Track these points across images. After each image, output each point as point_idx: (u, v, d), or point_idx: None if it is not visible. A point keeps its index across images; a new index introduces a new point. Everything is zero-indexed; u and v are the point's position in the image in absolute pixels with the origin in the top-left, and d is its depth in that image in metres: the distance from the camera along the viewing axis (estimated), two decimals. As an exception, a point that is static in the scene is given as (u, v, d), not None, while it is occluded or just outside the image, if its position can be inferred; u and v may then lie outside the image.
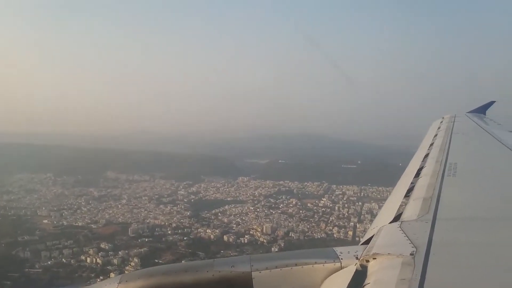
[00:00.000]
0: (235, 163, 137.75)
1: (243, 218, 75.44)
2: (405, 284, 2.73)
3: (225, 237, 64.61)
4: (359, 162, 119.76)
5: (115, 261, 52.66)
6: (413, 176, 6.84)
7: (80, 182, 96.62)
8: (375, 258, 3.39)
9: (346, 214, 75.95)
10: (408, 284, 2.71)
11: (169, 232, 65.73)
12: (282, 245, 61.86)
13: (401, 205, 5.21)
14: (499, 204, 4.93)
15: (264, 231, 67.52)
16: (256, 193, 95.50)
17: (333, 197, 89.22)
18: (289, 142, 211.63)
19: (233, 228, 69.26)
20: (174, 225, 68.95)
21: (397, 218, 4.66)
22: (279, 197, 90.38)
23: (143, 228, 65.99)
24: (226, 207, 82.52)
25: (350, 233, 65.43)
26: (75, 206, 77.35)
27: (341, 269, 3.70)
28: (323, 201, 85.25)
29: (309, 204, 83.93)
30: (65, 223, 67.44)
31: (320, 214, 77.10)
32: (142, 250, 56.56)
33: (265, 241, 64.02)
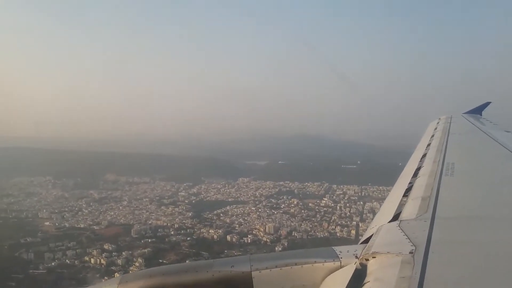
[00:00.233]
0: (234, 164, 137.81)
1: (245, 218, 75.39)
2: (405, 282, 2.76)
3: (228, 237, 64.53)
4: (358, 162, 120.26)
5: (119, 261, 52.44)
6: (411, 176, 6.93)
7: (80, 185, 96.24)
8: (374, 257, 3.42)
9: (348, 213, 76.12)
10: (408, 282, 2.74)
11: (172, 232, 65.57)
12: (286, 244, 61.85)
13: (399, 205, 5.29)
14: (497, 202, 5.00)
15: (267, 230, 67.52)
16: (257, 193, 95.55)
17: (334, 197, 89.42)
18: (288, 143, 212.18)
19: (236, 228, 69.20)
20: (176, 225, 68.77)
21: (396, 217, 4.73)
22: (280, 197, 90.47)
23: (146, 229, 65.77)
24: (228, 207, 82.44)
25: (353, 232, 65.55)
26: (76, 208, 76.96)
27: (341, 268, 3.73)
28: (324, 201, 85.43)
29: (310, 204, 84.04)
30: (67, 225, 67.09)
31: (322, 213, 77.19)
32: (146, 250, 56.36)
33: (268, 240, 63.99)
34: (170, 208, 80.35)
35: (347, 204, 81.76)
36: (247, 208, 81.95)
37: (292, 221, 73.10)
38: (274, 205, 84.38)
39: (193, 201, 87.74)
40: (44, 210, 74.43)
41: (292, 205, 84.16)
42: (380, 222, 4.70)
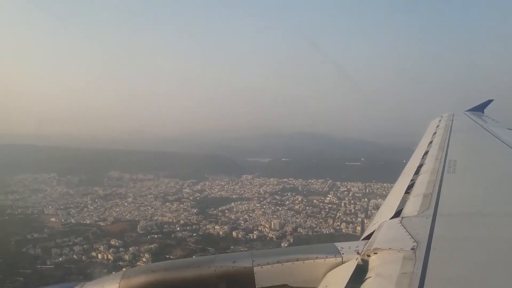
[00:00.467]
0: (237, 161, 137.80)
1: (250, 214, 75.47)
2: (406, 277, 2.76)
3: (234, 233, 64.63)
4: (362, 159, 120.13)
5: (126, 257, 52.63)
6: (413, 173, 6.93)
7: (84, 182, 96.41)
8: (376, 253, 3.42)
9: (353, 210, 76.12)
10: (409, 278, 2.74)
11: (178, 229, 65.70)
12: (292, 240, 61.91)
13: (401, 202, 5.29)
14: (498, 200, 5.01)
15: (272, 227, 67.59)
16: (261, 190, 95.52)
17: (338, 193, 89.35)
18: (291, 141, 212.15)
19: (241, 225, 69.27)
20: (182, 222, 68.90)
21: (397, 214, 4.72)
22: (285, 194, 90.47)
23: (152, 225, 65.89)
24: (232, 204, 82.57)
25: (359, 228, 65.53)
26: (81, 205, 77.12)
27: (343, 264, 3.73)
28: (328, 198, 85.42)
29: (315, 201, 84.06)
30: (73, 221, 67.26)
31: (327, 210, 77.21)
32: (153, 246, 56.53)
33: (274, 237, 64.05)
34: (175, 204, 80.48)
35: (352, 201, 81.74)
36: (252, 205, 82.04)
37: (297, 218, 73.14)
38: (279, 202, 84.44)
39: (198, 198, 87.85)
40: (50, 207, 74.64)
41: (297, 201, 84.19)
42: (381, 219, 4.70)
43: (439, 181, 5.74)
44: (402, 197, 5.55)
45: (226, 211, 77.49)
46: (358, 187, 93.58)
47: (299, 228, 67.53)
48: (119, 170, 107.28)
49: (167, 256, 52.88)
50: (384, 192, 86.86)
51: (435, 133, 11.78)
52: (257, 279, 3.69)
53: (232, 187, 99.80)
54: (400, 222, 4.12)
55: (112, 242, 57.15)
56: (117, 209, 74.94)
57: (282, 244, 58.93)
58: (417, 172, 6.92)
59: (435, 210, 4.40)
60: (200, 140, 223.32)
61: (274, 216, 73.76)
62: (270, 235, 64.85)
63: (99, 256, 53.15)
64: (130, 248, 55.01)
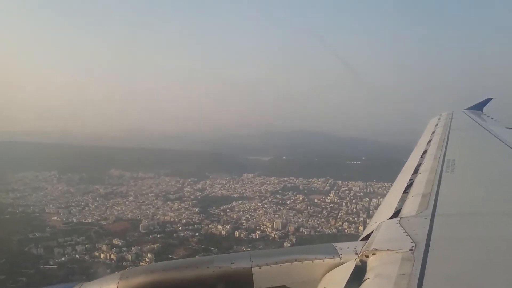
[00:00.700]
0: (238, 160, 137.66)
1: (252, 214, 75.42)
2: (405, 278, 2.76)
3: (236, 233, 64.61)
4: (363, 158, 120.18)
5: (129, 256, 52.51)
6: (412, 173, 6.90)
7: (85, 180, 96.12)
8: (374, 254, 3.42)
9: (355, 209, 76.06)
10: (408, 279, 2.74)
11: (180, 228, 65.63)
12: (294, 240, 61.90)
13: (400, 201, 5.27)
14: (497, 199, 5.00)
15: (274, 226, 67.54)
16: (262, 189, 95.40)
17: (339, 193, 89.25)
18: (291, 139, 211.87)
19: (243, 224, 69.25)
20: (184, 221, 68.81)
21: (396, 214, 4.71)
22: (286, 193, 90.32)
23: (154, 225, 65.78)
24: (234, 203, 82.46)
25: (361, 228, 65.42)
26: (82, 203, 76.92)
27: (341, 264, 3.75)
28: (330, 197, 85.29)
29: (316, 200, 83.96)
30: (74, 220, 67.08)
31: (329, 209, 77.15)
32: (155, 246, 56.45)
33: (276, 236, 64.02)
34: (176, 203, 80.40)
35: (353, 201, 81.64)
36: (253, 204, 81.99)
37: (299, 217, 73.09)
38: (280, 201, 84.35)
39: (199, 197, 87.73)
40: (51, 205, 74.37)
41: (298, 201, 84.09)
42: (380, 219, 4.68)
43: (438, 180, 5.71)
44: (401, 197, 5.53)
45: (227, 210, 77.42)
46: (359, 186, 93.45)
47: (301, 228, 67.51)
48: (120, 168, 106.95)
49: (170, 256, 52.80)
50: (385, 192, 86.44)
51: (434, 131, 11.73)
52: (256, 280, 3.70)
53: (233, 186, 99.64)
54: (399, 223, 4.11)
55: (115, 242, 57.02)
56: (119, 208, 74.79)
57: (285, 244, 58.89)
58: (415, 172, 6.89)
59: (434, 210, 4.37)
60: (200, 138, 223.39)
61: (276, 215, 73.73)
62: (272, 234, 64.82)
63: (102, 255, 53.00)
64: (132, 248, 54.91)
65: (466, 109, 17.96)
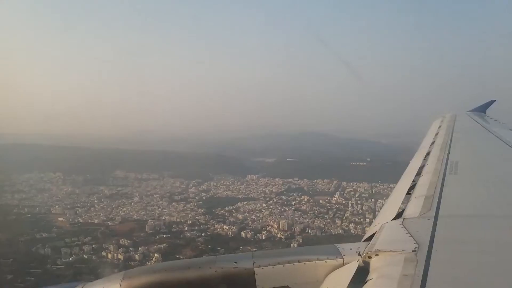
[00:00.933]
0: (242, 161, 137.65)
1: (258, 215, 75.29)
2: (408, 279, 2.76)
3: (243, 233, 64.50)
4: (368, 159, 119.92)
5: (136, 256, 52.48)
6: (415, 174, 6.91)
7: (90, 181, 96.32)
8: (377, 255, 3.42)
9: (360, 210, 75.96)
10: (411, 280, 2.74)
11: (186, 228, 65.61)
12: (301, 241, 61.72)
13: (403, 203, 5.28)
14: (500, 201, 5.00)
15: (280, 227, 67.41)
16: (267, 190, 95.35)
17: (344, 194, 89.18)
18: (295, 141, 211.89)
19: (249, 225, 69.14)
20: (190, 222, 68.80)
21: (399, 215, 4.71)
22: (290, 194, 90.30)
23: (160, 225, 65.78)
24: (239, 204, 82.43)
25: (367, 229, 64.81)
26: (88, 204, 77.03)
27: (344, 265, 3.76)
28: (335, 198, 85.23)
29: (321, 201, 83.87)
30: (80, 220, 67.14)
31: (334, 210, 77.03)
32: (162, 246, 56.38)
33: (283, 237, 63.89)
34: (181, 204, 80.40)
35: (359, 202, 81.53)
36: (258, 205, 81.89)
37: (304, 218, 72.96)
38: (285, 202, 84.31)
39: (204, 198, 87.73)
40: (57, 206, 74.53)
41: (303, 202, 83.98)
42: (383, 220, 4.69)
43: (441, 182, 5.72)
44: (404, 198, 5.56)
45: (233, 211, 77.36)
46: (364, 187, 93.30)
47: (307, 229, 67.34)
48: (125, 170, 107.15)
49: (177, 256, 52.70)
50: (390, 193, 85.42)
51: (437, 133, 11.71)
52: (258, 281, 3.73)
53: (237, 187, 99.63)
54: (402, 224, 4.12)
55: (121, 242, 56.99)
56: (124, 209, 74.84)
57: (292, 245, 58.67)
58: (418, 173, 6.89)
59: (437, 212, 4.38)
60: (204, 140, 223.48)
61: (281, 216, 73.61)
62: (278, 235, 64.68)
63: (109, 255, 53.00)
64: (139, 248, 54.92)
65: (469, 111, 17.97)
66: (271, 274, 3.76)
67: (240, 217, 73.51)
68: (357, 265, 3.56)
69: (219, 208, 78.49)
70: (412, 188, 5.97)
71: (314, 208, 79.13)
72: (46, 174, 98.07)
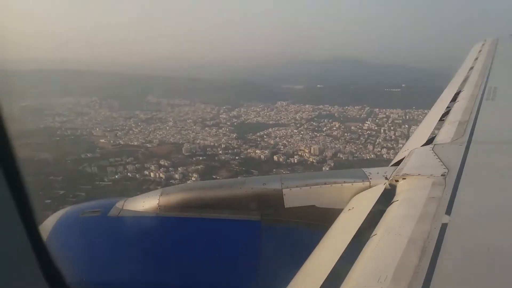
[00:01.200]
0: (271, 89, 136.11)
1: (289, 140, 76.45)
2: (434, 202, 2.71)
3: (275, 157, 66.18)
4: (403, 85, 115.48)
5: (176, 176, 55.57)
6: (450, 101, 6.69)
7: (124, 106, 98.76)
8: (404, 179, 3.38)
9: (393, 136, 75.44)
10: (437, 202, 2.70)
11: (220, 152, 67.90)
12: (332, 165, 62.98)
13: (435, 129, 5.17)
14: None
15: (312, 152, 68.53)
16: (297, 117, 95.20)
17: (377, 120, 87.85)
18: (325, 67, 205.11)
19: (281, 149, 70.58)
20: (223, 146, 70.86)
21: (430, 141, 4.61)
22: (321, 121, 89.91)
23: (195, 148, 68.34)
24: (270, 130, 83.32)
25: (399, 154, 65.44)
26: (126, 128, 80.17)
27: (370, 188, 3.76)
28: (367, 124, 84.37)
29: (352, 127, 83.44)
30: (121, 142, 70.57)
31: (366, 136, 76.88)
32: (199, 167, 59.14)
33: (314, 161, 65.23)
34: (214, 129, 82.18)
35: (392, 128, 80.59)
36: (289, 131, 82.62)
37: (335, 144, 73.53)
38: (316, 128, 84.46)
39: (235, 123, 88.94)
40: (97, 129, 78.13)
41: (334, 128, 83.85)
42: (413, 146, 4.64)
43: (477, 108, 5.57)
44: (436, 124, 5.52)
45: (264, 136, 78.62)
46: (398, 113, 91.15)
47: (339, 154, 68.26)
48: (157, 96, 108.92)
49: (213, 177, 55.33)
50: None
51: (476, 58, 11.17)
52: (286, 200, 3.90)
53: (267, 114, 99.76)
54: (432, 149, 4.06)
55: (161, 163, 60.14)
56: (160, 132, 77.65)
57: (323, 169, 60.02)
58: (454, 99, 6.73)
59: (470, 137, 4.28)
60: (227, 67, 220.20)
61: (312, 142, 74.46)
62: (310, 159, 66.03)
63: (152, 174, 56.42)
64: (179, 168, 57.86)
65: None
66: (298, 195, 3.92)
67: (272, 142, 74.89)
68: (383, 188, 3.60)
69: (251, 134, 79.85)
70: (446, 114, 5.90)
71: (345, 134, 79.15)
72: (83, 99, 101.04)
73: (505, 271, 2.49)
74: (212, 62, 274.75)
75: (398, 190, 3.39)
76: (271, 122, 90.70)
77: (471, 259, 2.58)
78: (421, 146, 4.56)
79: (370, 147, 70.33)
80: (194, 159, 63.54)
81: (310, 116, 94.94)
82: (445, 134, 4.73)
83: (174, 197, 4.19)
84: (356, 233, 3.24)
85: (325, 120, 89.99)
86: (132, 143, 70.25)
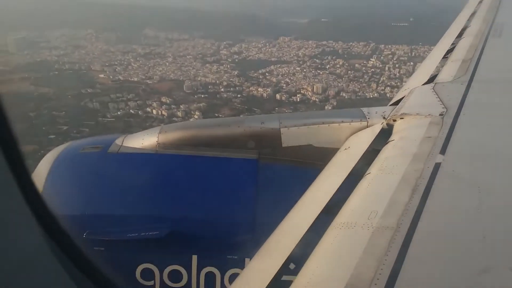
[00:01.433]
0: (273, 22, 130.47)
1: (291, 78, 75.31)
2: (430, 141, 2.71)
3: (278, 96, 65.70)
4: (411, 19, 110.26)
5: (179, 113, 55.56)
6: (455, 37, 6.40)
7: (122, 39, 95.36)
8: (402, 118, 3.37)
9: (398, 74, 74.26)
10: (433, 142, 2.70)
11: (222, 89, 67.16)
12: (335, 103, 62.79)
13: (437, 67, 5.03)
14: None
15: (315, 90, 67.91)
16: (300, 53, 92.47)
17: (382, 57, 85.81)
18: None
19: (284, 88, 69.80)
20: (225, 83, 69.88)
21: (431, 79, 4.53)
22: (325, 58, 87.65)
23: (197, 85, 67.53)
24: (272, 67, 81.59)
25: (401, 93, 64.93)
26: (125, 62, 78.26)
27: (367, 127, 3.75)
28: (371, 62, 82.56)
29: (356, 65, 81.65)
30: (121, 78, 69.41)
31: (370, 74, 75.73)
32: (201, 105, 58.89)
33: (317, 100, 64.91)
34: (214, 66, 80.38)
35: (396, 65, 79.02)
36: (292, 68, 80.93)
37: (339, 82, 72.56)
38: (319, 66, 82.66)
39: (236, 60, 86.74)
40: (95, 63, 76.24)
41: (338, 65, 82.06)
42: (414, 84, 4.59)
43: (482, 45, 5.35)
44: (439, 62, 5.33)
45: (266, 74, 77.24)
46: (404, 50, 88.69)
47: (342, 92, 67.69)
48: (154, 28, 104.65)
49: (216, 115, 55.45)
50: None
51: None
52: (284, 139, 3.96)
53: (269, 50, 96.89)
54: (433, 88, 4.00)
55: (163, 100, 59.77)
56: (160, 68, 76.02)
57: (326, 107, 59.86)
58: (459, 35, 6.45)
59: (472, 76, 4.19)
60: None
61: (315, 80, 73.37)
62: (313, 98, 65.62)
63: (154, 111, 56.35)
64: (181, 106, 57.66)
65: None
66: (296, 134, 3.95)
67: (274, 80, 73.78)
68: (380, 128, 3.59)
69: (252, 71, 78.31)
70: (450, 51, 5.69)
71: (349, 72, 77.77)
72: (78, 31, 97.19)
73: (494, 211, 2.55)
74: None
75: (395, 129, 3.40)
76: (273, 59, 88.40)
77: (461, 198, 2.64)
78: (422, 84, 4.51)
79: (373, 85, 69.61)
80: (195, 96, 63.03)
81: (313, 53, 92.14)
82: (447, 73, 4.60)
83: (172, 134, 4.25)
84: (350, 171, 3.32)
85: (329, 58, 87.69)
86: (132, 79, 69.11)
